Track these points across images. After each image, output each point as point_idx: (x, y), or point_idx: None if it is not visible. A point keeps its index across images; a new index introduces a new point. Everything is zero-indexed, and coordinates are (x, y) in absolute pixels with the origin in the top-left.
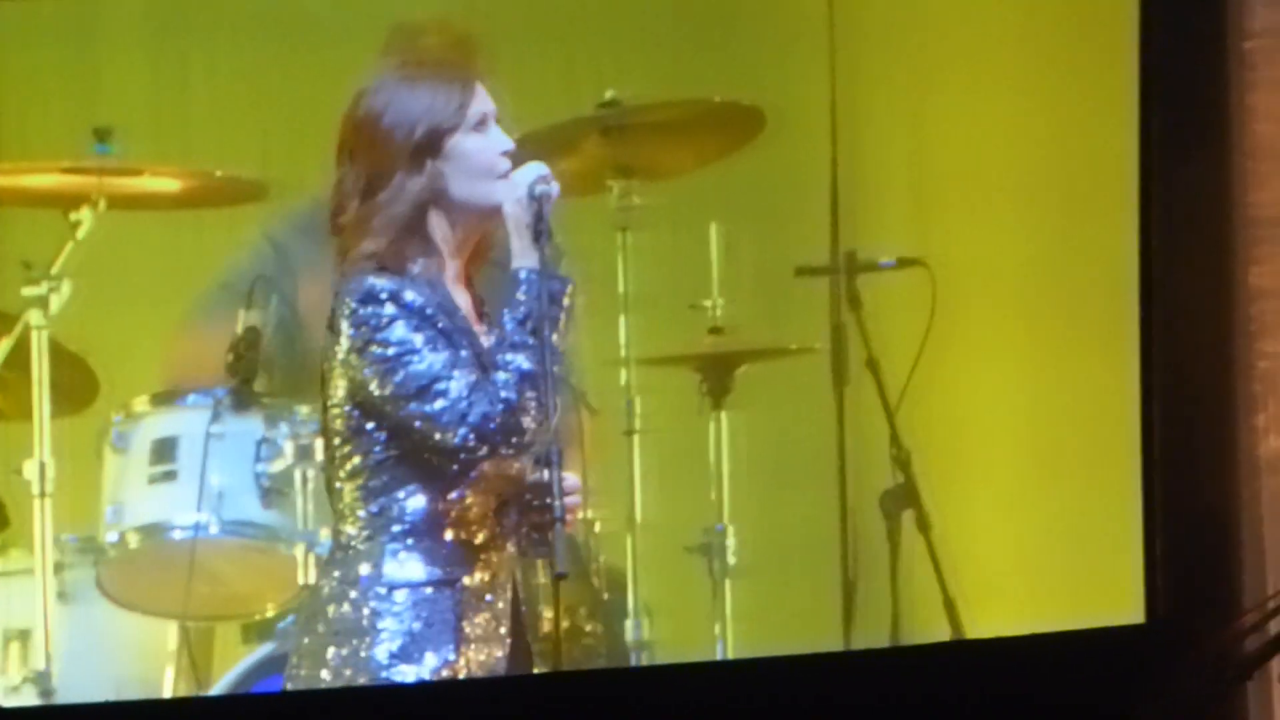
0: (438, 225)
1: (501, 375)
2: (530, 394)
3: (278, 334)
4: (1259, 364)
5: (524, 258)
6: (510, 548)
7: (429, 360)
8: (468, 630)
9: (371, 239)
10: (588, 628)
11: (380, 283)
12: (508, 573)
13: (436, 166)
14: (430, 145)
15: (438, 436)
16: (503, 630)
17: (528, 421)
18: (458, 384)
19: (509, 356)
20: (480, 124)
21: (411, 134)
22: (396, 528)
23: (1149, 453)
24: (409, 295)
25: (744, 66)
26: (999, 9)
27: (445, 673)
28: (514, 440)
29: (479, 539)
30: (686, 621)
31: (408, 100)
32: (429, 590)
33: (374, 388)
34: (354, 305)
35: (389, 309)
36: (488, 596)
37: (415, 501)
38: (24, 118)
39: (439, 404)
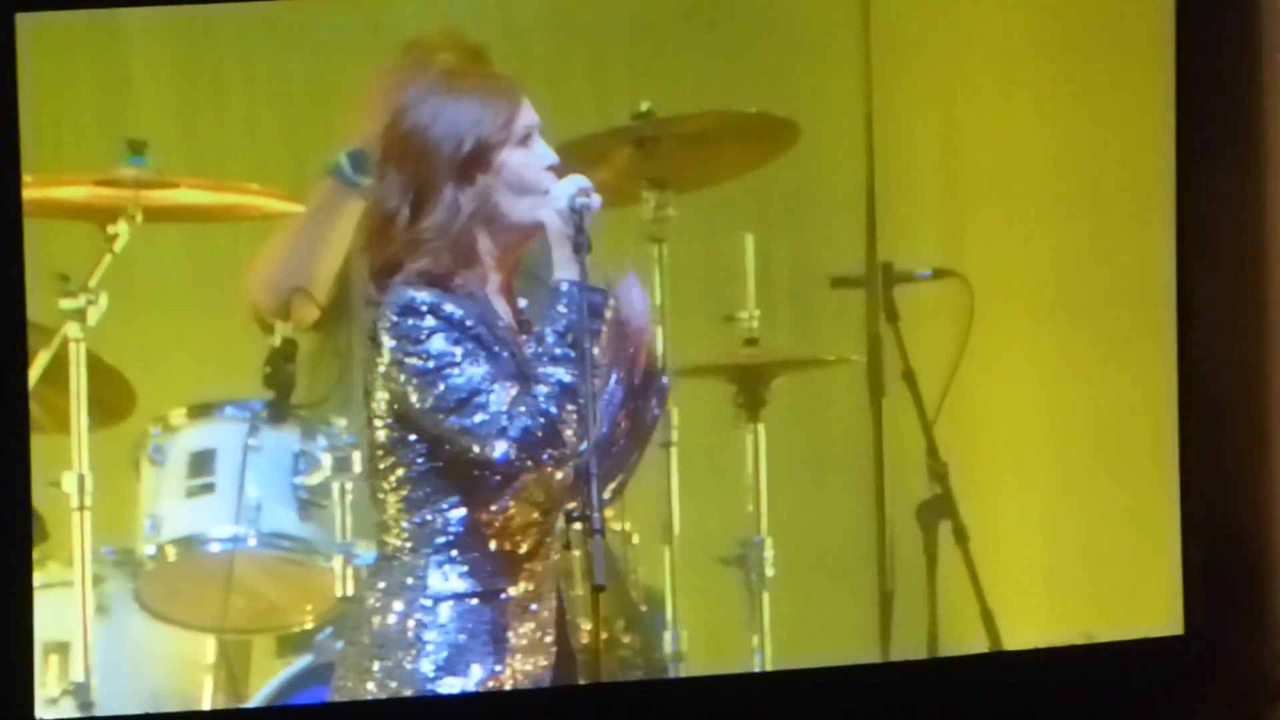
0: (482, 239)
1: (542, 389)
2: (570, 407)
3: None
4: None
5: (565, 270)
6: (554, 558)
7: (469, 373)
8: (512, 641)
9: (427, 257)
10: (625, 639)
11: (420, 295)
12: (551, 583)
13: (485, 181)
14: (479, 159)
15: (477, 449)
16: (548, 640)
17: (568, 434)
18: (498, 397)
19: (549, 369)
20: (526, 138)
21: (460, 147)
22: (440, 539)
23: (1185, 463)
24: (449, 307)
25: (778, 77)
26: (1032, 19)
27: (491, 684)
28: (554, 453)
29: (522, 549)
30: (724, 633)
31: (455, 112)
32: (473, 602)
33: (414, 400)
34: (394, 318)
35: (429, 321)
36: (532, 606)
37: (458, 513)
38: (57, 130)
39: (479, 417)
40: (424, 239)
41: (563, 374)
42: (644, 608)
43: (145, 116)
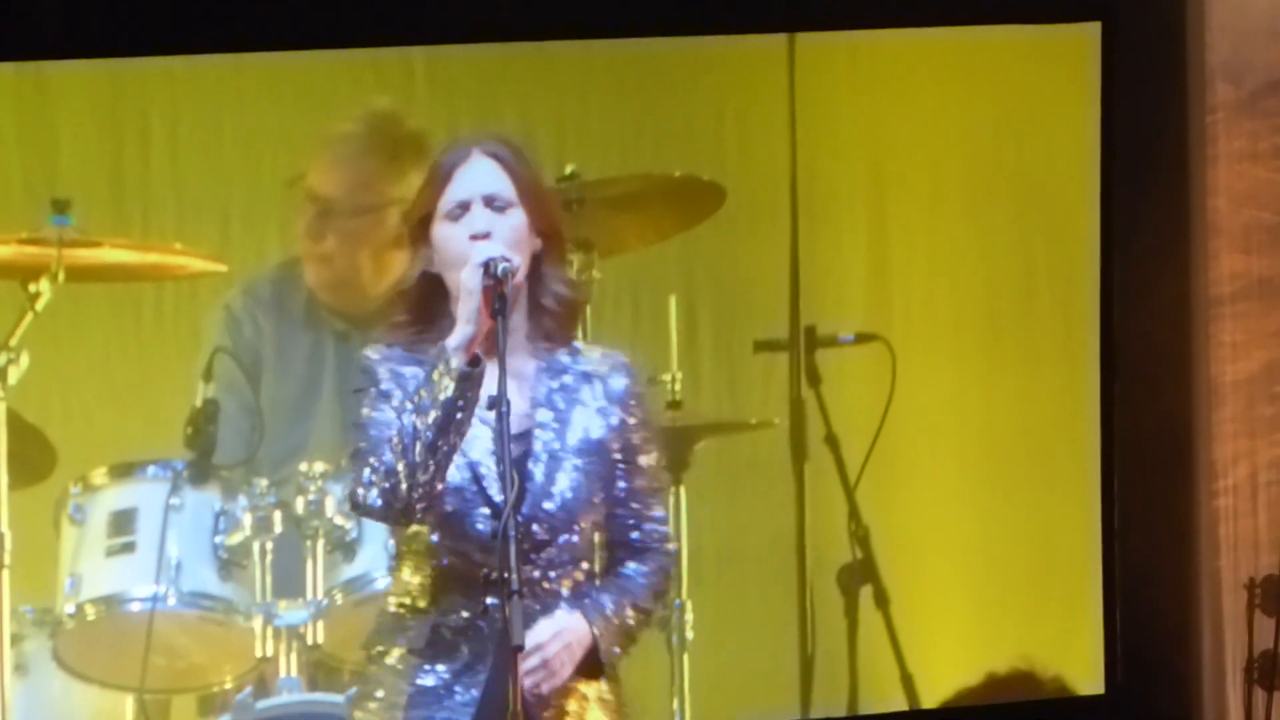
0: (444, 302)
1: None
2: (392, 466)
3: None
4: (1217, 434)
5: (455, 332)
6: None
7: (367, 431)
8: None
9: (388, 319)
10: None
11: (366, 354)
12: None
13: (426, 252)
14: (419, 231)
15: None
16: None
17: (401, 489)
18: (375, 455)
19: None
20: (454, 213)
21: (408, 220)
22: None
23: (1109, 526)
24: (377, 368)
25: (704, 141)
26: (960, 86)
27: None
28: (396, 508)
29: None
30: (645, 696)
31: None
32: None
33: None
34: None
35: (363, 380)
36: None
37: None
38: None
39: (364, 473)
40: (389, 297)
41: (409, 431)
42: None
43: (71, 174)
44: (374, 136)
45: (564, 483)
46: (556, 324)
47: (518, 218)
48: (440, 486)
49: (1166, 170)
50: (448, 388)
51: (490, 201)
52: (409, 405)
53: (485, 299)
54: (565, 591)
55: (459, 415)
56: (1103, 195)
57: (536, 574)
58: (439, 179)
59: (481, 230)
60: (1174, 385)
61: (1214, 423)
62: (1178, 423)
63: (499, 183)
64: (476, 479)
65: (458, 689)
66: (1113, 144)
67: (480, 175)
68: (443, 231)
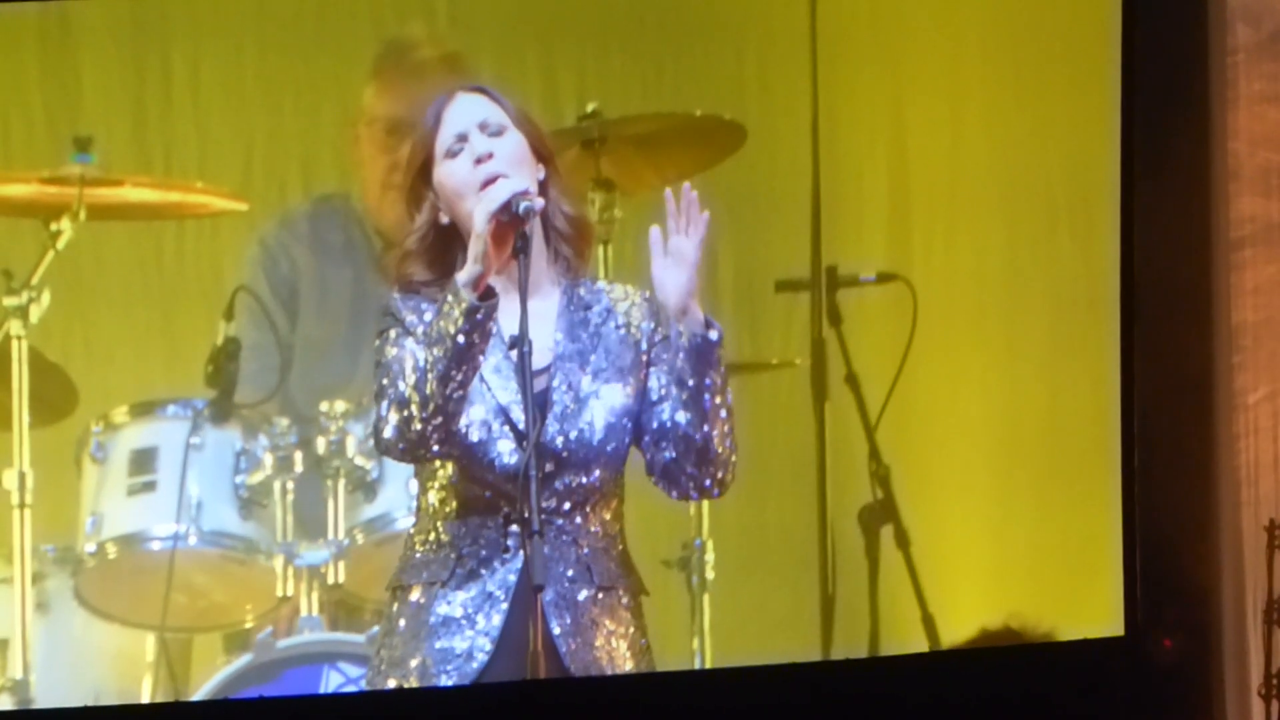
0: (460, 247)
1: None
2: (408, 399)
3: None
4: (1238, 377)
5: (465, 269)
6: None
7: (388, 364)
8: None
9: (401, 269)
10: None
11: (385, 302)
12: (497, 579)
13: (431, 200)
14: (421, 180)
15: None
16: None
17: (415, 427)
18: (396, 390)
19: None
20: (454, 149)
21: (408, 175)
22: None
23: (1129, 466)
24: (395, 307)
25: (725, 80)
26: (981, 25)
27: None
28: (408, 445)
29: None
30: (664, 635)
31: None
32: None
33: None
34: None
35: (382, 322)
36: (465, 603)
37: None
38: (4, 126)
39: (382, 406)
40: (400, 254)
41: (420, 363)
42: None
43: (93, 112)
44: (423, 49)
45: (588, 415)
46: (573, 249)
47: (515, 139)
48: (455, 423)
49: (1187, 113)
50: (458, 320)
51: (485, 127)
52: (421, 337)
53: (494, 239)
54: (580, 523)
55: (471, 348)
56: (1123, 139)
57: (553, 504)
58: (429, 125)
59: (483, 152)
60: (1194, 328)
61: (1234, 365)
62: (1197, 365)
63: (488, 110)
64: (502, 412)
65: (479, 617)
66: (1134, 85)
67: (469, 106)
68: (444, 169)
